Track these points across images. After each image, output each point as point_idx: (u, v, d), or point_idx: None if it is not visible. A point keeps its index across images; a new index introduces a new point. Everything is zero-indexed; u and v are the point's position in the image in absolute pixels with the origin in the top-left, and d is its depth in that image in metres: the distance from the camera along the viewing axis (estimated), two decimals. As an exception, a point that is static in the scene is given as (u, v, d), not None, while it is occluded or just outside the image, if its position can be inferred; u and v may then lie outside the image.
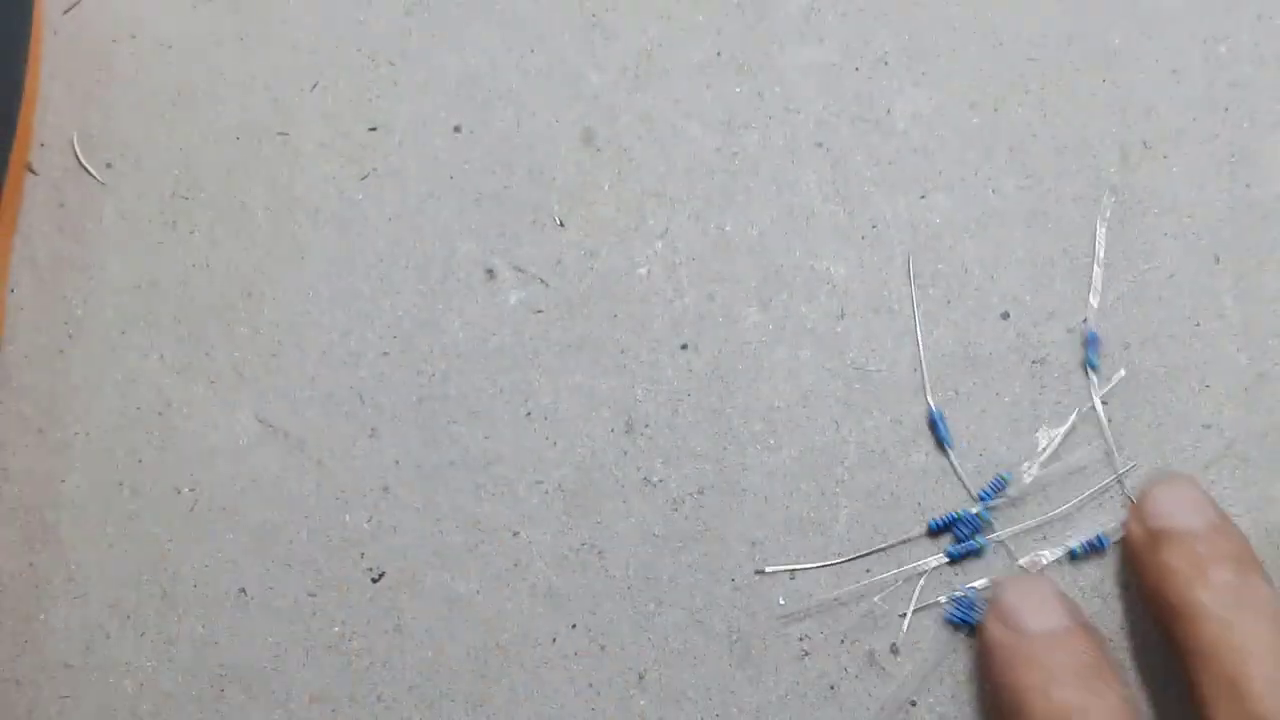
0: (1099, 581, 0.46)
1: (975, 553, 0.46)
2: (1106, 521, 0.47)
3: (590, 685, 0.46)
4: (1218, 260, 0.49)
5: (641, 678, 0.46)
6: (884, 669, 0.46)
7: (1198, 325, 0.48)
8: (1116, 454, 0.47)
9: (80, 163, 0.52)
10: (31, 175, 0.52)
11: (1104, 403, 0.47)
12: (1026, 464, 0.47)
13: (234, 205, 0.51)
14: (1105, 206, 0.48)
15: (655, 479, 0.48)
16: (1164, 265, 0.49)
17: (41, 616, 0.48)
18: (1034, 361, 0.48)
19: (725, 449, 0.48)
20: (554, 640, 0.47)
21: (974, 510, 0.46)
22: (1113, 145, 0.51)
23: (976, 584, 0.46)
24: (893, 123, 0.51)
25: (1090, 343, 0.48)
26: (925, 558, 0.46)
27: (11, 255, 0.51)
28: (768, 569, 0.46)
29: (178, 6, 0.54)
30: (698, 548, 0.47)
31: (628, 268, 0.50)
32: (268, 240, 0.51)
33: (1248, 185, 0.50)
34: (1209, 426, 0.47)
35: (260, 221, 0.51)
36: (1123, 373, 0.45)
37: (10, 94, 0.50)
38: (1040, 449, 0.47)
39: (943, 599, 0.46)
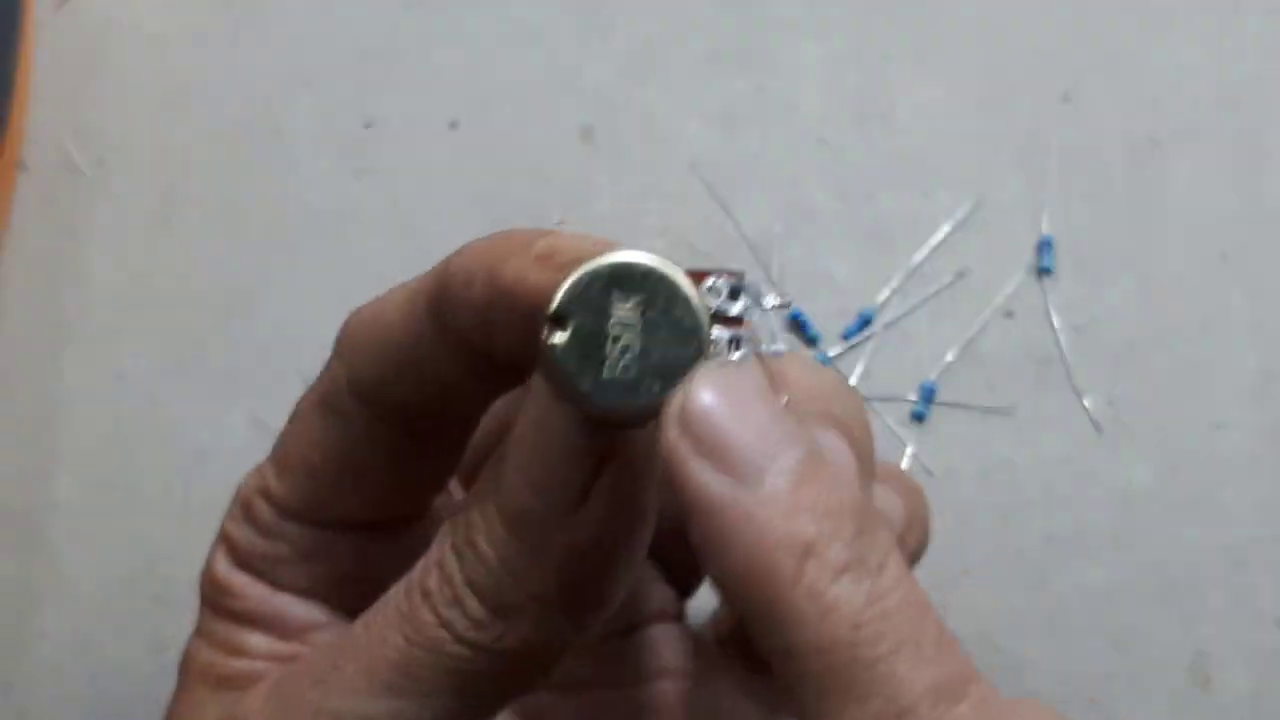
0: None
1: None
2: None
3: (589, 689, 0.46)
4: (1225, 258, 0.49)
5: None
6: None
7: (1206, 323, 0.48)
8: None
9: (72, 160, 0.51)
10: (22, 173, 0.51)
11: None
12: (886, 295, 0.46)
13: (227, 203, 0.51)
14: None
15: (655, 480, 0.47)
16: (1171, 263, 0.49)
17: (33, 620, 0.47)
18: (1039, 362, 0.48)
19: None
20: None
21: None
22: (1120, 142, 0.50)
23: None
24: (896, 119, 0.51)
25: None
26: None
27: (2, 254, 0.50)
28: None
29: (170, 2, 0.53)
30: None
31: (627, 266, 0.49)
32: (261, 238, 0.50)
33: (1256, 182, 0.50)
34: (1218, 425, 0.47)
35: (253, 220, 0.50)
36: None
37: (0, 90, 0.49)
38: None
39: None
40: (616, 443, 0.23)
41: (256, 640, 0.29)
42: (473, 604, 0.24)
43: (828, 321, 0.49)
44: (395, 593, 0.26)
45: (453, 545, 0.25)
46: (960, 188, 0.50)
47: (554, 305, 0.22)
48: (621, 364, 0.22)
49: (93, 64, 0.52)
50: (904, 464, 0.47)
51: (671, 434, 0.22)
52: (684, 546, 0.23)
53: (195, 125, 0.52)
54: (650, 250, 0.22)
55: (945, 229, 0.49)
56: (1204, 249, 0.49)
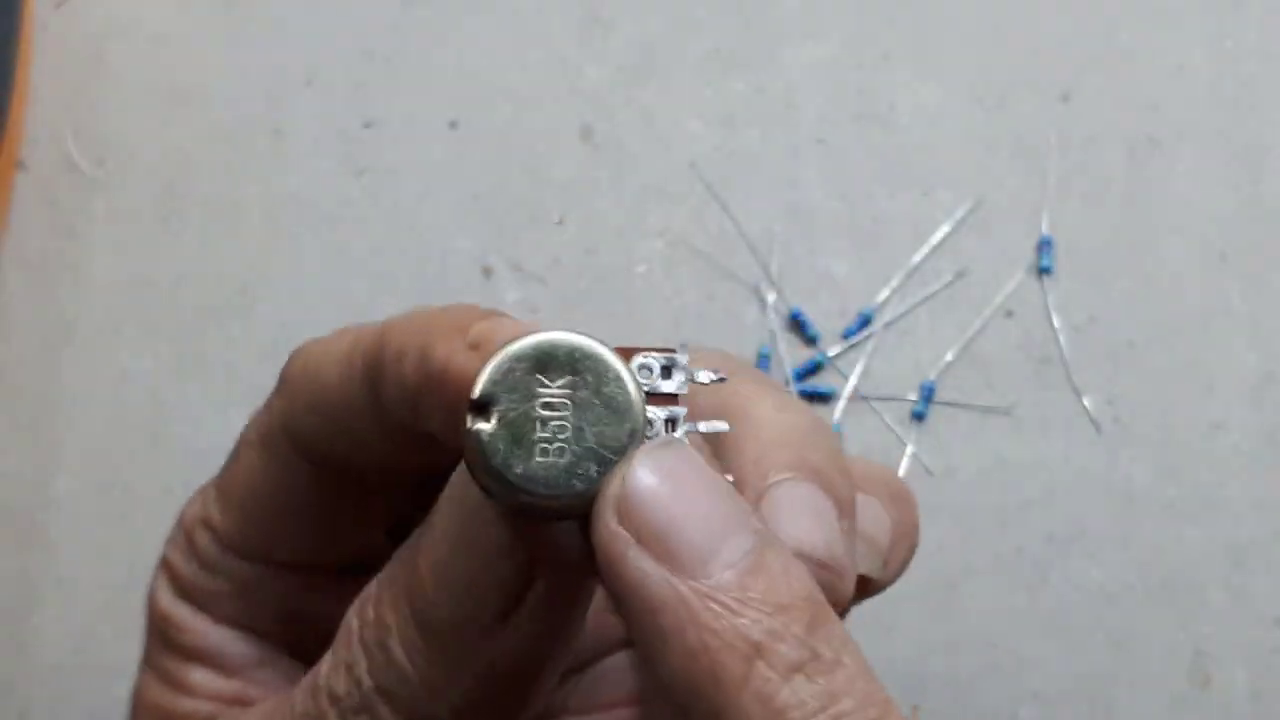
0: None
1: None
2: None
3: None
4: (1225, 258, 0.49)
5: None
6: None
7: (1205, 323, 0.48)
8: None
9: (72, 160, 0.51)
10: (22, 172, 0.51)
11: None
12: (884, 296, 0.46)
13: (227, 203, 0.51)
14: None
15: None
16: (1171, 262, 0.49)
17: (32, 619, 0.47)
18: (1039, 361, 0.48)
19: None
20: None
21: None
22: (1120, 142, 0.50)
23: None
24: (895, 119, 0.51)
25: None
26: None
27: (2, 253, 0.50)
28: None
29: (170, 2, 0.53)
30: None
31: (627, 265, 0.49)
32: (261, 238, 0.50)
33: (1255, 182, 0.50)
34: (1218, 426, 0.47)
35: (254, 219, 0.50)
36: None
37: None
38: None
39: None
40: (547, 544, 0.21)
41: (200, 676, 0.28)
42: (384, 713, 0.22)
43: (828, 321, 0.48)
44: (301, 691, 0.24)
45: (361, 643, 0.23)
46: (960, 188, 0.50)
47: (477, 390, 0.20)
48: (554, 447, 0.20)
49: (93, 64, 0.52)
50: (904, 463, 0.47)
51: (608, 521, 0.20)
52: None
53: (195, 125, 0.52)
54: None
55: (945, 229, 0.49)
56: (1204, 249, 0.49)
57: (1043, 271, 0.49)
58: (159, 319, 0.50)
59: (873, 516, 0.26)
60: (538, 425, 0.20)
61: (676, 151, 0.50)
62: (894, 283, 0.49)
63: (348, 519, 0.27)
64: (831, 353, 0.48)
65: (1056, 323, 0.48)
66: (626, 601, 0.20)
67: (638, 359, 0.21)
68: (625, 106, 0.51)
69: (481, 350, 0.21)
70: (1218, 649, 0.45)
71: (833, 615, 0.20)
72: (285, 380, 0.26)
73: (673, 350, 0.21)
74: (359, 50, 0.52)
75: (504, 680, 0.22)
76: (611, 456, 0.20)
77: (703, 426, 0.21)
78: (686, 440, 0.21)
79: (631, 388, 0.21)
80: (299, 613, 0.28)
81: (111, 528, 0.48)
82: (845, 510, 0.24)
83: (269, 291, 0.50)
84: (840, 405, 0.48)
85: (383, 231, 0.50)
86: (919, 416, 0.47)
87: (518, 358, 0.21)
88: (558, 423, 0.20)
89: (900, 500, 0.27)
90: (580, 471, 0.20)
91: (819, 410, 0.48)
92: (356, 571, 0.27)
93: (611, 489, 0.20)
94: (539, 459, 0.20)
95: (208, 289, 0.50)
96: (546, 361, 0.21)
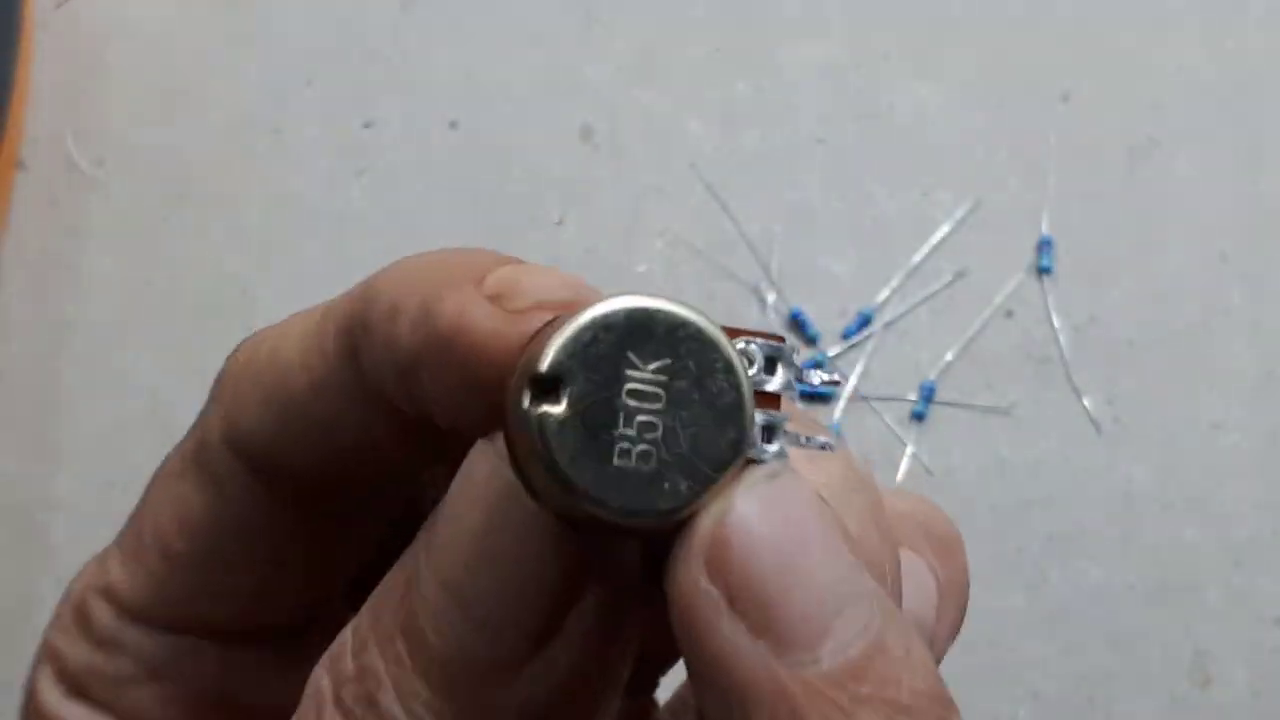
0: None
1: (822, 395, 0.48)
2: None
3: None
4: (1225, 258, 0.49)
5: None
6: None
7: (1206, 323, 0.48)
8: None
9: (72, 160, 0.51)
10: (22, 172, 0.51)
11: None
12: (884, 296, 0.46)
13: (227, 203, 0.51)
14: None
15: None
16: (1171, 262, 0.49)
17: (32, 619, 0.47)
18: (1039, 361, 0.48)
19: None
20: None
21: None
22: (1120, 142, 0.50)
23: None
24: (895, 119, 0.51)
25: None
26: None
27: (2, 253, 0.50)
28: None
29: (170, 2, 0.53)
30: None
31: (627, 265, 0.49)
32: (262, 238, 0.50)
33: (1255, 182, 0.50)
34: (1217, 426, 0.47)
35: (254, 219, 0.50)
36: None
37: None
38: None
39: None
40: (601, 549, 0.17)
41: None
42: None
43: (828, 321, 0.48)
44: None
45: (339, 705, 0.17)
46: (960, 188, 0.50)
47: (545, 362, 0.15)
48: (638, 450, 0.15)
49: (93, 64, 0.52)
50: (904, 463, 0.47)
51: (695, 576, 0.15)
52: (654, 637, 0.17)
53: (196, 125, 0.52)
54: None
55: (945, 229, 0.49)
56: (1204, 249, 0.49)
57: (1043, 271, 0.49)
58: (159, 319, 0.50)
59: (916, 585, 0.21)
60: (620, 418, 0.15)
61: (676, 151, 0.50)
62: (894, 283, 0.49)
63: (302, 562, 0.21)
64: (831, 353, 0.48)
65: (1056, 323, 0.48)
66: (709, 680, 0.16)
67: (737, 344, 0.16)
68: (625, 106, 0.51)
69: (507, 303, 0.17)
70: (1218, 649, 0.45)
71: (958, 715, 0.16)
72: (224, 381, 0.22)
73: (779, 339, 0.17)
74: (359, 50, 0.52)
75: None
76: (708, 471, 0.16)
77: (808, 440, 0.17)
78: (790, 464, 0.16)
79: (745, 386, 0.16)
80: (224, 698, 0.22)
81: (111, 528, 0.48)
82: (891, 592, 0.19)
83: (269, 291, 0.50)
84: (840, 405, 0.48)
85: (383, 231, 0.50)
86: (919, 416, 0.47)
87: (605, 325, 0.16)
88: (645, 418, 0.16)
89: (944, 547, 0.22)
90: (666, 486, 0.16)
91: (819, 411, 0.48)
92: (299, 644, 0.22)
93: (702, 530, 0.15)
94: (618, 462, 0.15)
95: (207, 289, 0.50)
96: (640, 335, 0.16)
